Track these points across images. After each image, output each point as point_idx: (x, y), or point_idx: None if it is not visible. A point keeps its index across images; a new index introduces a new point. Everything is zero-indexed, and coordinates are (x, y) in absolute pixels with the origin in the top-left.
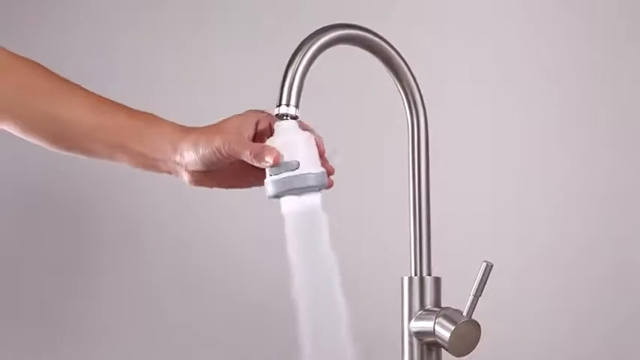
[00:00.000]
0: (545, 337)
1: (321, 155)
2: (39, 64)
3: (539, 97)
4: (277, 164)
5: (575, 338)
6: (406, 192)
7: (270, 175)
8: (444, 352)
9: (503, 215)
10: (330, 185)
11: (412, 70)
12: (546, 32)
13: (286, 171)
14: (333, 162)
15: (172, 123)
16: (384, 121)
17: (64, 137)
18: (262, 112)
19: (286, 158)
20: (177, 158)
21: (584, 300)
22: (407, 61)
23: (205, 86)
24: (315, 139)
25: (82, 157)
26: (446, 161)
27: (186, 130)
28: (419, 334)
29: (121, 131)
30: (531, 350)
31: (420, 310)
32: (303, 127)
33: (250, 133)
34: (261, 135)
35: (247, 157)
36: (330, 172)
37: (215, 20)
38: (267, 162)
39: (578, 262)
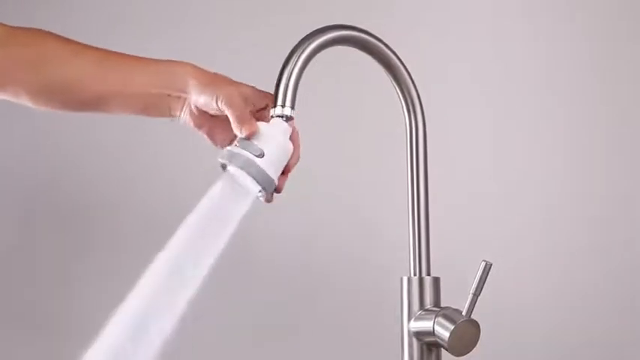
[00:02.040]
0: (544, 336)
1: (284, 172)
2: (40, 30)
3: (539, 98)
4: (248, 139)
5: (575, 337)
6: (405, 192)
7: (235, 144)
8: (443, 351)
9: (503, 215)
10: (268, 200)
11: (410, 72)
12: (546, 33)
13: (249, 151)
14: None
15: (181, 61)
16: (382, 122)
17: (70, 93)
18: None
19: (258, 143)
20: (181, 90)
21: (585, 299)
22: (404, 62)
23: None
24: (293, 156)
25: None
26: (445, 161)
27: (197, 68)
28: (418, 334)
29: (127, 67)
30: (531, 348)
31: (419, 310)
32: (292, 139)
33: (254, 107)
34: (260, 118)
35: (232, 116)
36: (278, 189)
37: (214, 20)
38: (242, 131)
39: (577, 261)
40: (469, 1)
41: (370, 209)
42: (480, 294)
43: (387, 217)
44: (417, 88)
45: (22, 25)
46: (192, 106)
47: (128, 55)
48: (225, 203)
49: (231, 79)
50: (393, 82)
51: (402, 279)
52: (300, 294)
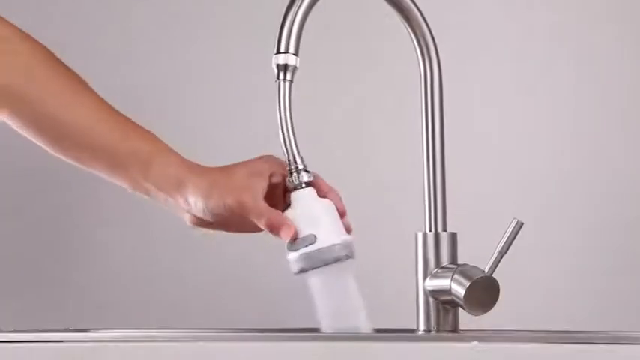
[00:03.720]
0: (565, 295)
1: (342, 215)
2: (51, 54)
3: (565, 43)
4: (294, 239)
5: (594, 299)
6: (420, 145)
7: (289, 251)
8: (461, 312)
9: (526, 168)
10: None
11: (424, 14)
12: None
13: (305, 246)
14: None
15: (179, 157)
16: (395, 70)
17: (63, 144)
18: (275, 160)
19: (304, 231)
20: (181, 202)
21: (607, 259)
22: (417, 3)
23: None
24: (335, 202)
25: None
26: (462, 112)
27: (193, 171)
28: (434, 293)
29: (125, 156)
30: (551, 308)
31: (435, 268)
32: (321, 191)
33: (264, 187)
34: (274, 188)
35: (262, 226)
36: (348, 231)
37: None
38: (281, 236)
39: (601, 218)
40: None
41: (383, 161)
42: (506, 252)
43: (400, 170)
44: (432, 31)
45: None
46: (189, 211)
47: (122, 122)
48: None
49: (224, 170)
50: (406, 25)
51: (416, 235)
52: None
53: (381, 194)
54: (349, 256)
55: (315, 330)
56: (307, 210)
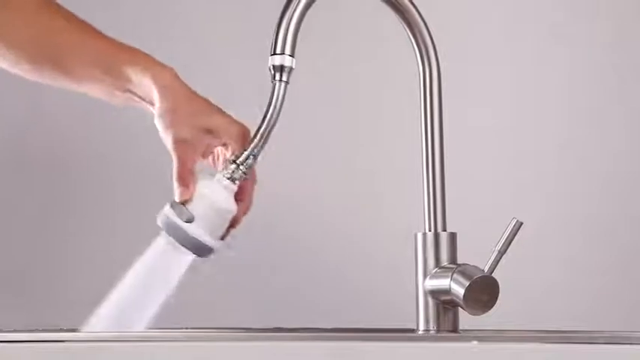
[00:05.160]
0: (565, 294)
1: (232, 225)
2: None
3: (564, 42)
4: (182, 203)
5: (594, 298)
6: (419, 145)
7: (169, 207)
8: (461, 312)
9: (524, 168)
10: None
11: (422, 15)
12: None
13: (178, 216)
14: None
15: (156, 64)
16: (393, 72)
17: (43, 66)
18: (242, 137)
19: (194, 204)
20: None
21: (607, 259)
22: (415, 4)
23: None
24: (239, 212)
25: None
26: (462, 112)
27: (174, 80)
28: (434, 293)
29: (111, 53)
30: (551, 307)
31: (435, 268)
32: (244, 190)
33: (209, 149)
34: (211, 153)
35: (176, 166)
36: (223, 239)
37: None
38: (178, 191)
39: (600, 217)
40: None
41: (383, 162)
42: (505, 252)
43: (400, 170)
44: (431, 33)
45: None
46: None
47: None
48: (165, 262)
49: (200, 108)
50: (404, 26)
51: (416, 235)
52: (310, 252)
53: (380, 194)
54: (197, 254)
55: (315, 330)
56: (213, 196)
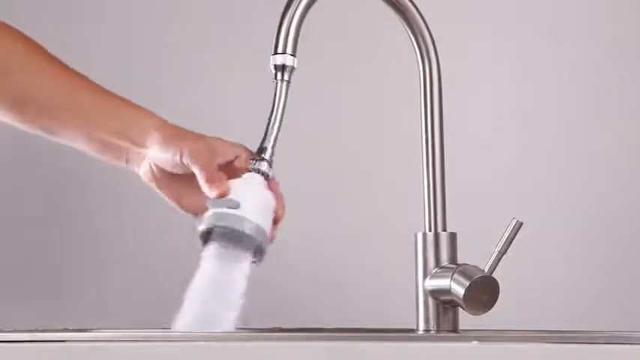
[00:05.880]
0: (564, 295)
1: (275, 222)
2: (19, 33)
3: (561, 50)
4: (221, 198)
5: (594, 298)
6: (419, 145)
7: (209, 208)
8: (461, 312)
9: (524, 168)
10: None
11: (422, 13)
12: None
13: (226, 207)
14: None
15: (149, 111)
16: (394, 72)
17: (29, 115)
18: (248, 151)
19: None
20: (141, 144)
21: (607, 259)
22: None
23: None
24: (278, 204)
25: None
26: (462, 112)
27: (164, 122)
28: (434, 293)
29: (93, 107)
30: (551, 308)
31: (435, 268)
32: (273, 190)
33: (223, 159)
34: (233, 171)
35: (200, 174)
36: (270, 240)
37: None
38: (212, 190)
39: (600, 217)
40: None
41: (383, 162)
42: (505, 252)
43: (400, 170)
44: (431, 32)
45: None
46: (152, 165)
47: (98, 89)
48: (226, 267)
49: (196, 133)
50: (404, 25)
51: (416, 235)
52: (310, 252)
53: (380, 194)
54: (259, 247)
55: (315, 330)
56: (248, 188)
